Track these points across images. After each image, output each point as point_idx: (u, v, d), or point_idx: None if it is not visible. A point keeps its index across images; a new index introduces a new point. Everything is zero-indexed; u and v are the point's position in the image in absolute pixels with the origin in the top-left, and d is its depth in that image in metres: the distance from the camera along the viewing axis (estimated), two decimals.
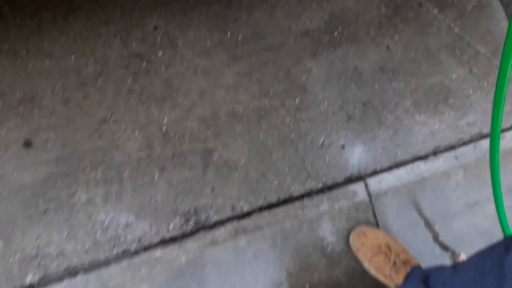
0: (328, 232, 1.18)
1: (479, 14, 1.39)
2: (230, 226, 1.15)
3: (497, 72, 1.33)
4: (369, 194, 1.22)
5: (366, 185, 1.23)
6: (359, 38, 1.35)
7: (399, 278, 1.11)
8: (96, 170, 1.15)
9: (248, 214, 1.17)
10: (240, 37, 1.31)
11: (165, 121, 1.21)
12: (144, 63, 1.25)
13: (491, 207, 1.27)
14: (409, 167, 1.26)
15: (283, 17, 1.35)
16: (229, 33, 1.32)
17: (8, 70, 1.20)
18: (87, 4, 1.30)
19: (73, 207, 1.12)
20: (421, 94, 1.32)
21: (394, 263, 1.12)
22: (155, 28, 1.29)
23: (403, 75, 1.34)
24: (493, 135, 0.78)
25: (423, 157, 1.28)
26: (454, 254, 1.22)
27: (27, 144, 1.14)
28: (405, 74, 1.34)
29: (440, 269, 0.95)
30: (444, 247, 1.23)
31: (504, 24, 1.44)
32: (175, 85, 1.24)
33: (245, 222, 1.16)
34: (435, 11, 1.42)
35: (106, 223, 1.11)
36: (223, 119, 1.23)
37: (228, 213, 1.16)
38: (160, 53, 1.26)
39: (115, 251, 1.09)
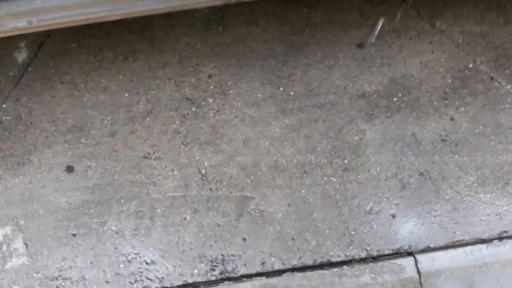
0: None
1: None
2: (257, 282, 1.44)
3: None
4: (418, 272, 1.48)
5: (416, 262, 1.49)
6: (420, 106, 1.74)
7: None
8: (130, 203, 1.55)
9: (279, 272, 1.47)
10: (292, 93, 1.76)
11: (205, 164, 1.61)
12: (194, 108, 1.71)
13: None
14: (468, 249, 1.52)
15: (340, 78, 1.79)
16: (281, 88, 1.77)
17: (65, 99, 1.71)
18: (148, 48, 1.84)
19: (101, 235, 1.49)
20: (488, 171, 1.63)
21: None
22: (210, 76, 1.78)
23: (467, 150, 1.67)
24: None
25: (486, 241, 1.54)
26: None
27: (69, 169, 1.59)
28: (470, 148, 1.67)
29: None
30: None
31: None
32: (220, 131, 1.67)
33: (274, 281, 1.45)
34: (509, 87, 1.80)
35: (131, 257, 1.46)
36: (264, 169, 1.61)
37: (257, 267, 1.47)
38: (210, 100, 1.73)
39: (135, 286, 1.42)
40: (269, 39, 1.85)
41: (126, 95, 1.71)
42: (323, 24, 1.86)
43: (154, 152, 1.61)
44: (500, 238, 1.50)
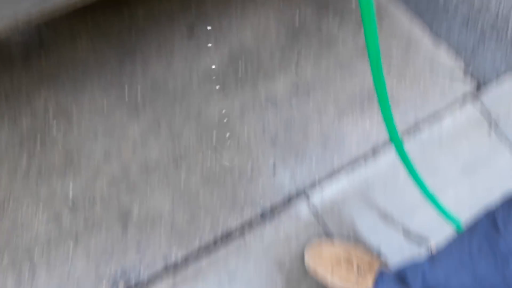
0: (279, 260, 1.43)
1: None
2: (165, 278, 1.37)
3: (415, 63, 1.80)
4: (314, 208, 1.51)
5: (308, 200, 1.53)
6: (265, 68, 1.79)
7: (368, 282, 1.34)
8: (2, 255, 1.37)
9: (184, 260, 1.40)
10: (139, 90, 1.71)
11: (70, 189, 1.49)
12: (39, 137, 1.58)
13: (451, 191, 1.59)
14: (349, 170, 1.59)
15: (181, 63, 1.78)
16: (126, 89, 1.71)
17: None
18: None
19: None
20: (344, 99, 1.74)
21: (358, 267, 1.36)
22: (46, 100, 1.66)
23: (319, 90, 1.76)
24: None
25: (362, 158, 1.63)
26: (423, 247, 1.49)
27: None
28: (321, 89, 1.76)
29: (414, 264, 1.13)
30: (412, 242, 1.50)
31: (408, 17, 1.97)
32: (75, 151, 1.55)
33: (182, 272, 1.38)
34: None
35: None
36: (135, 173, 1.54)
37: (161, 264, 1.39)
38: (54, 123, 1.61)
39: None
40: (97, 47, 1.78)
41: None
42: (147, 19, 1.85)
43: (10, 195, 1.45)
44: (373, 153, 1.60)
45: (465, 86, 1.73)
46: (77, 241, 1.36)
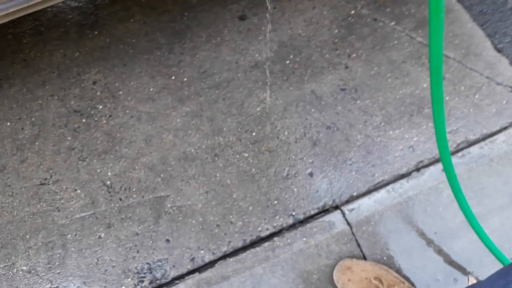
0: (307, 273, 1.37)
1: None
2: (190, 281, 1.35)
3: (472, 74, 1.65)
4: (348, 223, 1.44)
5: (343, 214, 1.45)
6: (313, 62, 1.69)
7: None
8: (37, 237, 1.39)
9: (210, 264, 1.38)
10: (185, 79, 1.66)
11: (109, 174, 1.48)
12: (84, 119, 1.57)
13: (496, 220, 1.47)
14: (389, 187, 1.50)
15: (229, 54, 1.71)
16: (173, 76, 1.67)
17: None
18: (23, 70, 1.67)
19: (12, 280, 1.33)
20: (391, 108, 1.62)
21: None
22: (94, 82, 1.64)
23: (367, 93, 1.65)
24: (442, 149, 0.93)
25: (405, 175, 1.52)
26: (461, 279, 1.39)
27: None
28: (370, 91, 1.65)
29: None
30: (448, 272, 1.40)
31: (470, 25, 1.80)
32: (118, 136, 1.54)
33: (208, 274, 1.36)
34: (392, 24, 1.80)
35: None
36: (173, 164, 1.51)
37: (188, 266, 1.37)
38: (100, 107, 1.59)
39: None
40: (149, 31, 1.74)
41: (8, 124, 1.55)
42: (201, 5, 1.78)
43: (51, 176, 1.46)
44: (418, 169, 1.50)
45: None
46: (109, 229, 1.36)
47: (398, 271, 1.37)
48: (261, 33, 1.73)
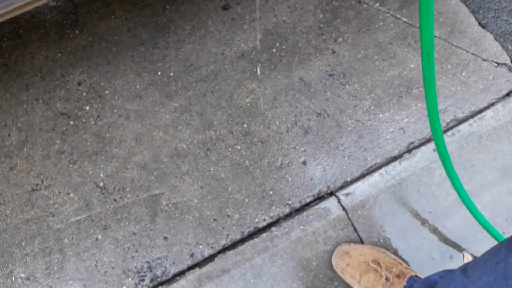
0: (306, 260, 1.38)
1: None
2: (191, 276, 1.35)
3: (458, 52, 1.65)
4: (344, 209, 1.44)
5: (338, 199, 1.46)
6: (300, 49, 1.68)
7: None
8: (33, 243, 1.38)
9: (210, 258, 1.38)
10: (171, 74, 1.63)
11: (101, 176, 1.47)
12: (71, 121, 1.54)
13: (487, 195, 1.49)
14: (382, 170, 1.50)
15: (215, 45, 1.68)
16: (159, 72, 1.64)
17: None
18: (4, 75, 1.63)
19: (11, 287, 1.32)
20: (380, 91, 1.61)
21: (387, 279, 1.30)
22: (79, 83, 1.61)
23: (355, 77, 1.64)
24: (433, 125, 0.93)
25: (397, 157, 1.53)
26: (457, 256, 1.41)
27: None
28: (358, 74, 1.64)
29: (446, 275, 1.06)
30: (444, 250, 1.42)
31: (454, 2, 1.79)
32: (107, 136, 1.52)
33: (208, 268, 1.36)
34: (376, 5, 1.78)
35: None
36: (165, 161, 1.49)
37: (188, 261, 1.37)
38: (87, 108, 1.57)
39: None
40: (131, 27, 1.70)
41: None
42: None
43: (43, 181, 1.44)
44: (409, 151, 1.50)
45: (510, 82, 1.57)
46: (105, 230, 1.35)
47: (395, 252, 1.38)
48: (246, 22, 1.70)
